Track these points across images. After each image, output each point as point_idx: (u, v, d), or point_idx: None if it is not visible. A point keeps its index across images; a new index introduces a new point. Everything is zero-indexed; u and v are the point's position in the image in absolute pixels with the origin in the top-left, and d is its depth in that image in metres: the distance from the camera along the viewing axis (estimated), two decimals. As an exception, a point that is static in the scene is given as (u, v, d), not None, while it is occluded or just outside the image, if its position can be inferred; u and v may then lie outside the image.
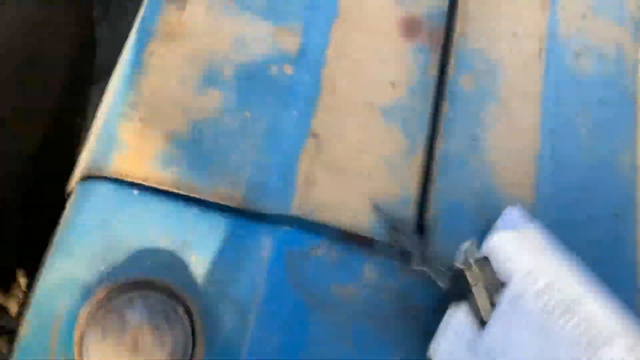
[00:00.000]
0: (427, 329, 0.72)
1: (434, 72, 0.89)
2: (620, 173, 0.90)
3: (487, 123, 0.87)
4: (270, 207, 0.75)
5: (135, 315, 0.63)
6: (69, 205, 0.74)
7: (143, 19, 0.87)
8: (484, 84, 0.90)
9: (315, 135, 0.80)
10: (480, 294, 0.71)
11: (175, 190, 0.74)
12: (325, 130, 0.81)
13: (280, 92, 0.83)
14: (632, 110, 0.95)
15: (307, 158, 0.79)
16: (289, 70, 0.85)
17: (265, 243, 0.73)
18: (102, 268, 0.69)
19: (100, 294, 0.65)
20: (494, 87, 0.90)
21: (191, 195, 0.75)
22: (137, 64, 0.84)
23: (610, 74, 0.97)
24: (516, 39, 0.95)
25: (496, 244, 0.75)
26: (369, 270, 0.75)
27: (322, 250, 0.74)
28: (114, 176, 0.74)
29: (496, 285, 0.73)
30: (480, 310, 0.71)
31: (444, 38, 0.91)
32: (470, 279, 0.71)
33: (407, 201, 0.79)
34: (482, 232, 0.80)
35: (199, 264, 0.71)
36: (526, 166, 0.86)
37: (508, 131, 0.87)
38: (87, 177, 0.75)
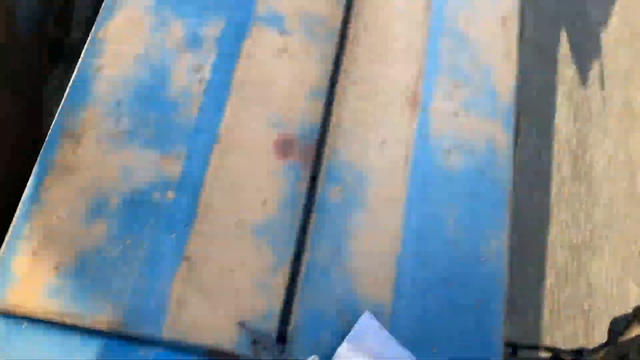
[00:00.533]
0: None
1: (304, 187, 1.00)
2: (487, 262, 0.98)
3: (352, 231, 0.97)
4: (145, 329, 0.85)
5: None
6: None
7: (43, 153, 0.98)
8: (351, 194, 1.00)
9: (187, 259, 0.91)
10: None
11: (59, 320, 0.85)
12: (197, 252, 0.92)
13: (161, 218, 0.94)
14: (503, 198, 1.05)
15: (180, 281, 0.89)
16: (170, 195, 0.96)
17: (140, 365, 0.83)
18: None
19: None
20: (361, 196, 1.01)
21: (74, 324, 0.85)
22: (34, 197, 0.94)
23: (481, 167, 1.05)
24: (384, 147, 1.05)
25: (345, 353, 0.86)
26: (233, 384, 0.84)
27: (189, 369, 0.84)
28: (5, 309, 0.84)
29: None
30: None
31: (315, 154, 1.02)
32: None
33: (272, 314, 0.89)
34: (344, 335, 0.91)
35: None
36: (386, 268, 0.95)
37: (371, 237, 0.97)
38: (-18, 312, 0.85)
